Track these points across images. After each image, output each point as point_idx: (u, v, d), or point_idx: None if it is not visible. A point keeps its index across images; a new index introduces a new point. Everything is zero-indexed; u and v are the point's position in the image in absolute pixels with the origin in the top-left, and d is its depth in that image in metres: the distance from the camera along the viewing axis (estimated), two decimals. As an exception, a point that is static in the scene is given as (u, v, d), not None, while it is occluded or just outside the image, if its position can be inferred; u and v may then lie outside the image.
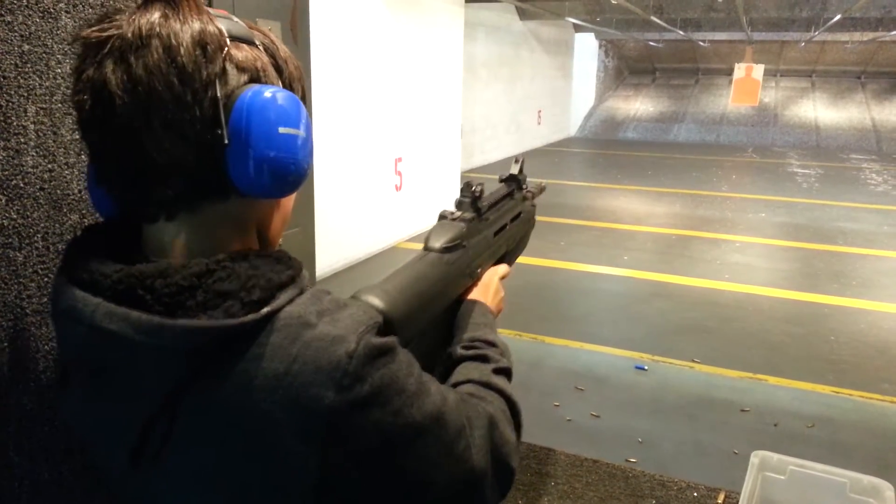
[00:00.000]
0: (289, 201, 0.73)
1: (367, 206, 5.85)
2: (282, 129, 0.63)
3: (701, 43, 14.55)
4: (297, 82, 0.70)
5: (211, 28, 0.61)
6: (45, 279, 0.88)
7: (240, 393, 0.58)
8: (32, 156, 0.85)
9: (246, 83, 0.63)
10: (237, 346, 0.58)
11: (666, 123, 16.08)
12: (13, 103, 0.82)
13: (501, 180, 1.19)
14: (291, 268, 0.64)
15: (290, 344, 0.58)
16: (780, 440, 3.13)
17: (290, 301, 0.61)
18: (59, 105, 0.87)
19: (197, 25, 0.60)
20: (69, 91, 0.88)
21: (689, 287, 5.28)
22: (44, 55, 0.85)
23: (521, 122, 12.74)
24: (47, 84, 0.85)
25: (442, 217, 1.01)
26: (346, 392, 0.58)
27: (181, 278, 0.58)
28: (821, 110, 15.47)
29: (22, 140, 0.83)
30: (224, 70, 0.61)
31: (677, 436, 3.15)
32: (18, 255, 0.85)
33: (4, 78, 0.81)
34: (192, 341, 0.57)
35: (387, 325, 0.70)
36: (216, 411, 0.59)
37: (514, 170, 1.21)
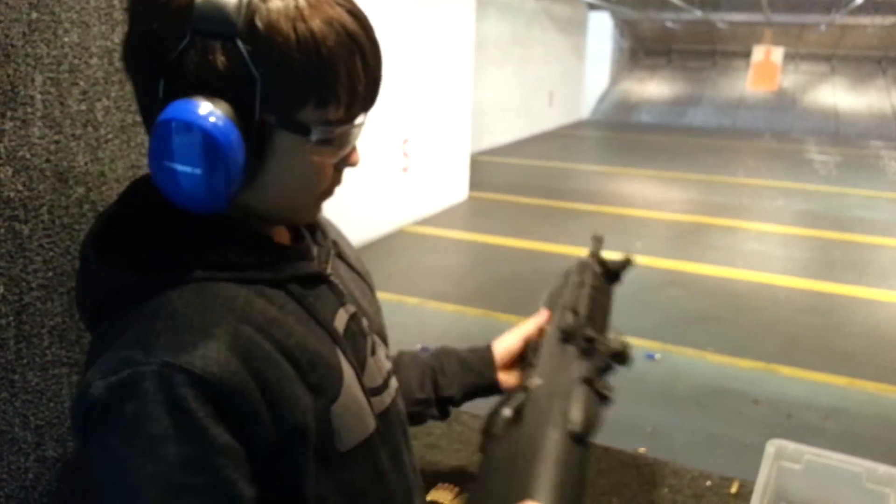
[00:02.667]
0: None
1: (373, 188, 5.76)
2: (166, 163, 0.63)
3: (719, 24, 14.34)
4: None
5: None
6: (51, 253, 0.86)
7: None
8: (39, 126, 0.82)
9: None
10: None
11: (681, 107, 15.91)
12: (20, 72, 0.80)
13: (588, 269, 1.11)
14: None
15: None
16: (794, 431, 3.10)
17: None
18: (67, 75, 0.85)
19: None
20: (76, 60, 0.85)
21: (703, 275, 5.23)
22: (52, 24, 0.82)
23: (532, 103, 12.63)
24: (55, 53, 0.83)
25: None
26: None
27: None
28: (840, 96, 15.25)
29: (29, 110, 0.81)
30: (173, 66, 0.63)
31: (689, 426, 3.13)
32: (24, 227, 0.83)
33: (12, 46, 0.78)
34: None
35: None
36: None
37: (596, 248, 1.16)
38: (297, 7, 0.63)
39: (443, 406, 1.06)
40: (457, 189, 7.39)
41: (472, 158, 7.78)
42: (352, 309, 0.82)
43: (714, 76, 16.61)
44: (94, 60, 0.87)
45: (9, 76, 0.79)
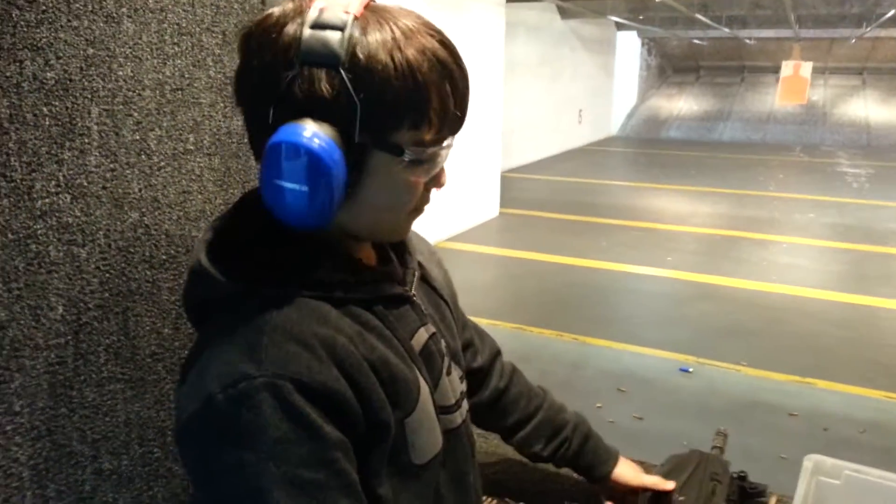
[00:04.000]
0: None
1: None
2: (276, 181, 0.69)
3: (747, 41, 14.25)
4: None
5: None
6: (107, 275, 0.91)
7: None
8: (95, 155, 0.87)
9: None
10: None
11: (710, 122, 15.80)
12: (78, 105, 0.85)
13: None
14: None
15: None
16: (831, 445, 3.05)
17: None
18: (121, 106, 0.90)
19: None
20: (130, 93, 0.90)
21: (735, 289, 5.19)
22: (107, 58, 0.87)
23: (562, 121, 12.65)
24: (110, 86, 0.88)
25: None
26: None
27: None
28: (872, 108, 15.02)
29: (86, 140, 0.86)
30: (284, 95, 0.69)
31: (723, 439, 3.10)
32: (82, 251, 0.87)
33: (70, 81, 0.83)
34: None
35: None
36: None
37: (721, 443, 1.23)
38: (393, 38, 0.69)
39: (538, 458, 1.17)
40: (488, 206, 7.43)
41: (502, 176, 7.82)
42: (432, 329, 0.86)
43: (743, 91, 16.48)
44: (147, 93, 0.93)
45: (67, 109, 0.84)
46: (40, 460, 0.86)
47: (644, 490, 1.14)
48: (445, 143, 0.75)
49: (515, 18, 9.63)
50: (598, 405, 3.40)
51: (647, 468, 1.33)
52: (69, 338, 0.88)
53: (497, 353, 1.16)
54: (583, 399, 3.44)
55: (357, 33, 0.68)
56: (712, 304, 4.86)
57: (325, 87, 0.67)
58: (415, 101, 0.70)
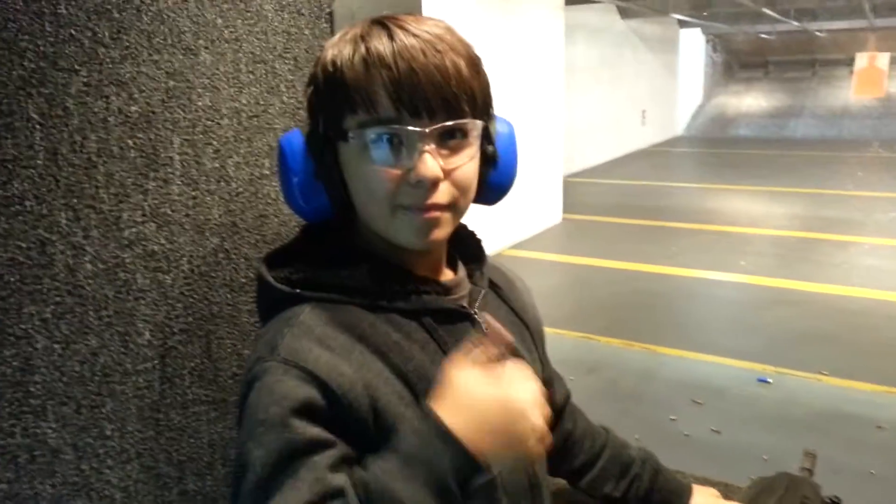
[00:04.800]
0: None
1: (468, 215, 5.80)
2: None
3: (818, 33, 13.76)
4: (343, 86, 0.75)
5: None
6: (190, 299, 0.93)
7: None
8: (178, 184, 0.90)
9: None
10: None
11: (781, 119, 15.31)
12: (160, 136, 0.87)
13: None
14: None
15: None
16: (924, 459, 2.90)
17: None
18: (201, 136, 0.92)
19: None
20: (209, 122, 0.93)
21: (815, 293, 4.99)
22: (186, 90, 0.90)
23: (624, 123, 12.46)
24: (190, 117, 0.90)
25: None
26: None
27: None
28: (957, 98, 14.29)
29: (169, 170, 0.88)
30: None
31: (806, 452, 2.98)
32: (167, 277, 0.90)
33: (153, 113, 0.86)
34: None
35: None
36: None
37: (811, 465, 1.19)
38: (333, 43, 0.78)
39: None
40: (551, 212, 7.37)
41: (564, 181, 7.75)
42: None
43: (815, 86, 15.91)
44: (225, 121, 0.95)
45: (150, 140, 0.86)
46: (130, 482, 0.88)
47: None
48: (400, 125, 0.73)
49: (574, 21, 9.56)
50: (673, 418, 3.31)
51: (732, 490, 1.28)
52: (156, 362, 0.90)
53: (568, 396, 1.14)
54: (655, 411, 3.36)
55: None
56: (790, 310, 4.69)
57: (308, 94, 0.80)
58: (340, 85, 0.75)
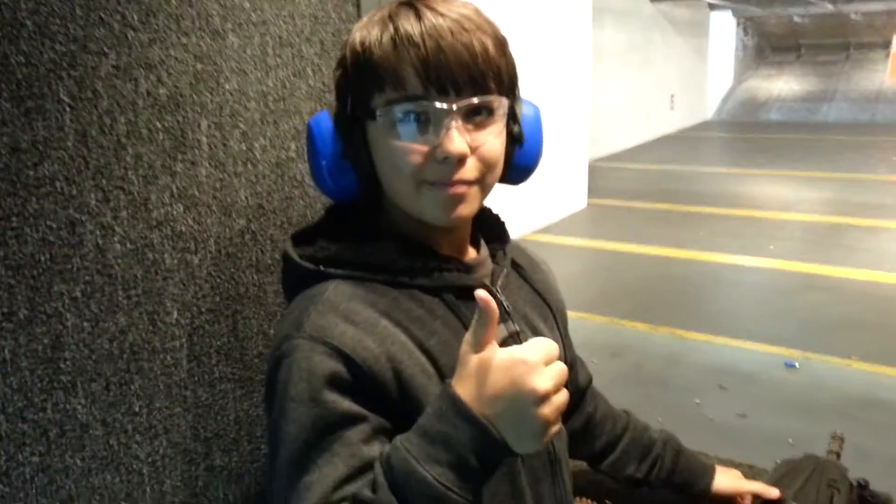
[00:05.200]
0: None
1: (493, 199, 5.78)
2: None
3: (852, 16, 13.43)
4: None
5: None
6: (218, 279, 0.95)
7: None
8: (206, 167, 0.91)
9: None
10: None
11: (813, 103, 15.00)
12: (188, 119, 0.88)
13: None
14: None
15: None
16: (955, 447, 2.85)
17: None
18: (228, 118, 0.93)
19: None
20: (236, 105, 0.94)
21: (845, 279, 4.91)
22: (214, 73, 0.91)
23: (652, 108, 12.30)
24: (217, 100, 0.91)
25: None
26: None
27: None
28: None
29: (196, 152, 0.90)
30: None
31: (834, 439, 2.94)
32: (194, 258, 0.91)
33: (182, 96, 0.87)
34: None
35: None
36: None
37: (837, 448, 1.18)
38: (363, 24, 0.79)
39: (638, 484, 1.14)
40: (576, 197, 7.32)
41: (591, 165, 7.68)
42: (514, 328, 0.85)
43: (848, 70, 15.56)
44: (252, 104, 0.96)
45: (178, 123, 0.88)
46: (157, 457, 0.91)
47: (754, 498, 1.09)
48: (424, 104, 0.74)
49: (602, 5, 9.43)
50: (698, 401, 3.29)
51: (757, 472, 1.28)
52: (183, 340, 0.92)
53: (590, 380, 1.15)
54: (681, 395, 3.35)
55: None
56: (819, 296, 4.62)
57: (337, 76, 0.81)
58: (368, 63, 0.76)
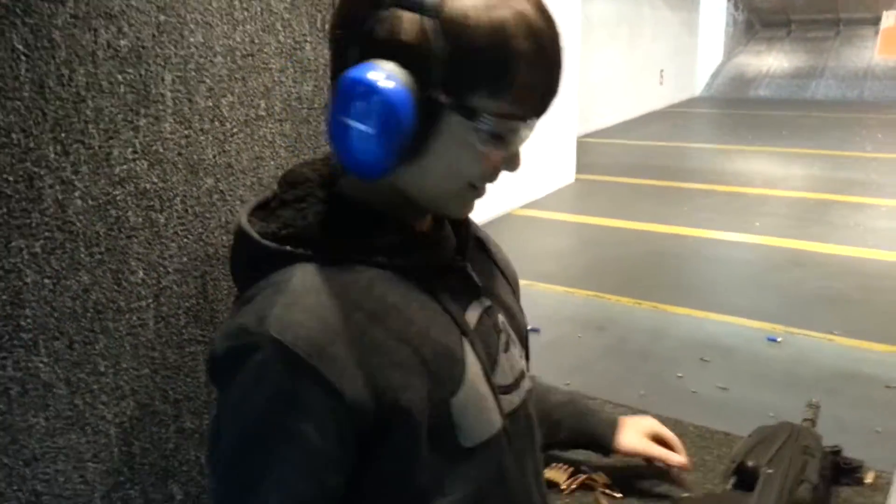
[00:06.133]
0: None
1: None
2: (343, 118, 0.66)
3: (844, -9, 13.41)
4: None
5: None
6: (185, 240, 0.93)
7: None
8: (170, 122, 0.89)
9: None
10: None
11: (802, 79, 15.00)
12: (151, 72, 0.86)
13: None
14: None
15: None
16: (932, 419, 2.89)
17: None
18: (193, 73, 0.90)
19: None
20: (202, 59, 0.91)
21: (829, 255, 4.94)
22: (178, 25, 0.88)
23: (641, 82, 12.26)
24: (182, 53, 0.89)
25: None
26: None
27: None
28: (985, 59, 13.92)
29: (160, 107, 0.87)
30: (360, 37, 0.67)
31: (813, 410, 2.98)
32: (160, 216, 0.89)
33: (143, 48, 0.85)
34: None
35: None
36: None
37: (814, 415, 1.20)
38: None
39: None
40: (564, 172, 7.31)
41: (579, 141, 7.66)
42: (487, 302, 0.81)
43: (837, 46, 15.55)
44: (219, 59, 0.93)
45: (141, 76, 0.85)
46: (125, 419, 0.89)
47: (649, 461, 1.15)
48: (528, 122, 0.72)
49: (593, -23, 9.35)
50: (680, 375, 3.31)
51: (733, 439, 1.28)
52: (150, 301, 0.90)
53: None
54: (663, 368, 3.37)
55: None
56: (803, 271, 4.65)
57: (408, 31, 0.64)
58: (500, 66, 0.66)
